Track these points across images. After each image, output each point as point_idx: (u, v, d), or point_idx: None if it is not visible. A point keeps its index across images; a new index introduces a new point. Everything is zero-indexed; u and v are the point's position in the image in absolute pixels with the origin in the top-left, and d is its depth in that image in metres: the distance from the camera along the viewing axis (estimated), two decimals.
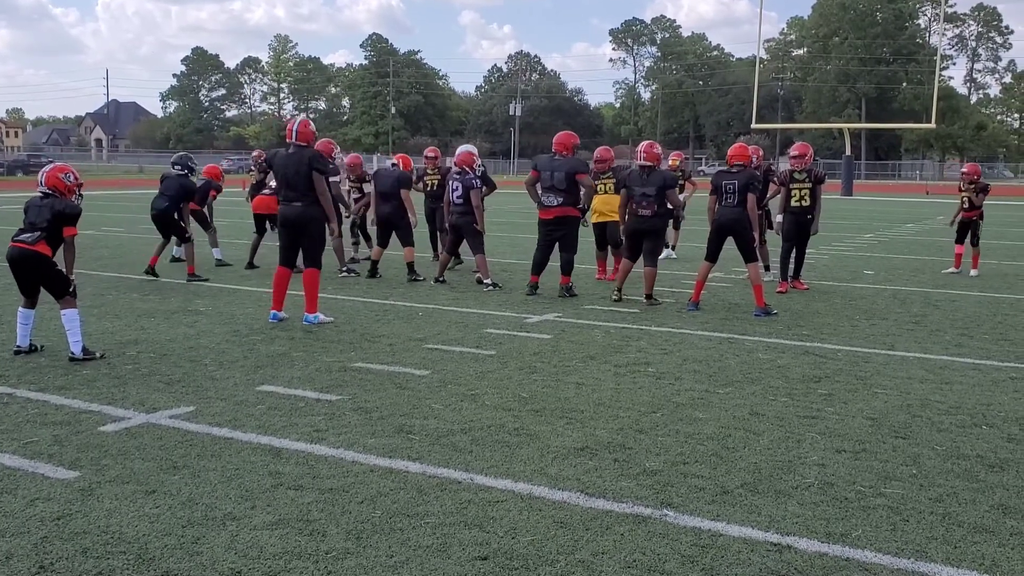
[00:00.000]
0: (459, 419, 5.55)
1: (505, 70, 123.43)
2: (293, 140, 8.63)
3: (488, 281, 11.11)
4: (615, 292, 10.25)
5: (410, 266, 11.82)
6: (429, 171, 13.68)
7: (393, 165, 12.29)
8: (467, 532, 3.89)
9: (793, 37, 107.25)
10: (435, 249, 13.64)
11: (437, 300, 10.21)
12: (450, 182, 11.70)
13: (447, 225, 12.06)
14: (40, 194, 7.21)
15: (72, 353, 6.99)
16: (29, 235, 7.01)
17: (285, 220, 8.62)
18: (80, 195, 7.46)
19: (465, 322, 8.86)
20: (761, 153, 12.51)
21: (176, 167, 12.32)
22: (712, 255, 9.81)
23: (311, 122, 8.94)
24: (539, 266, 10.73)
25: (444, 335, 8.18)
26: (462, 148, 12.17)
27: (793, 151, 11.57)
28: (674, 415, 5.71)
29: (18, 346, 7.22)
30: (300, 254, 8.68)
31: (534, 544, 3.78)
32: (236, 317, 8.94)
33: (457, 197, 11.42)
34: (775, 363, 7.26)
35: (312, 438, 5.15)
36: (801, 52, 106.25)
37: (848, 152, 51.22)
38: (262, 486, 4.39)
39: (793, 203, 11.28)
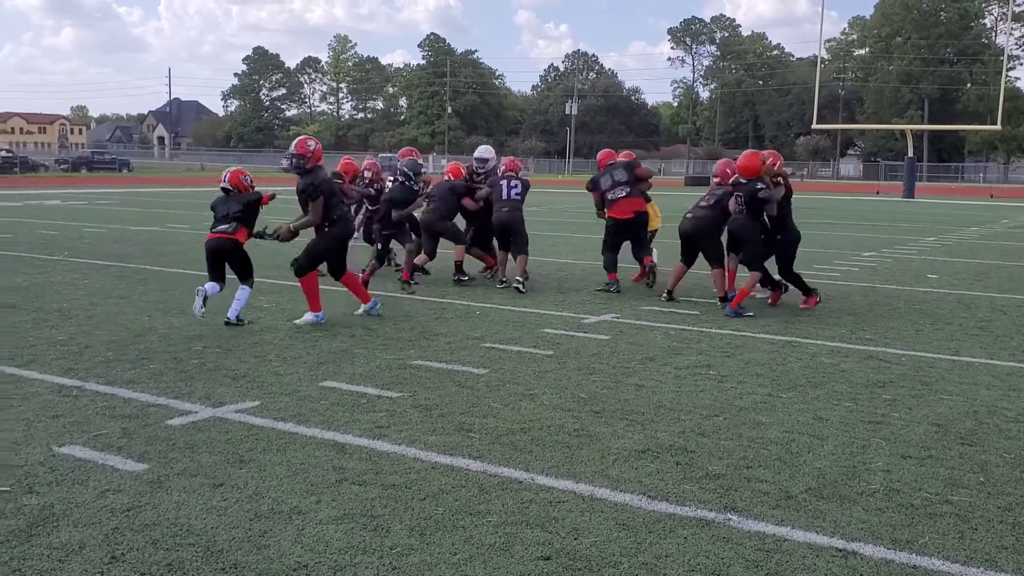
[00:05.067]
0: (518, 418, 5.57)
1: (561, 69, 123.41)
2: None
3: (520, 279, 10.85)
4: (666, 293, 10.29)
5: (458, 266, 11.72)
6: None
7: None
8: (529, 532, 3.90)
9: (855, 37, 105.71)
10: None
11: (494, 299, 10.23)
12: (506, 180, 11.47)
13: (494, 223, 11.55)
14: (222, 191, 8.68)
15: (228, 317, 8.35)
16: (227, 226, 8.47)
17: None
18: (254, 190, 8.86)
19: (522, 321, 8.88)
20: (775, 162, 10.40)
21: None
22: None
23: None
24: (614, 264, 11.05)
25: (501, 334, 8.21)
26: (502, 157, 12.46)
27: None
28: (737, 419, 5.67)
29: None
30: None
31: (596, 545, 3.78)
32: (298, 314, 9.04)
33: (516, 194, 11.31)
34: (838, 367, 7.17)
35: (374, 434, 5.20)
36: (863, 52, 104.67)
37: (910, 154, 50.25)
38: (326, 481, 4.45)
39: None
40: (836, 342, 8.18)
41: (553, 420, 5.55)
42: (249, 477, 4.49)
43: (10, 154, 67.39)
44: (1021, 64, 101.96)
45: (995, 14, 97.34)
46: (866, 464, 4.87)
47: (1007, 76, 54.67)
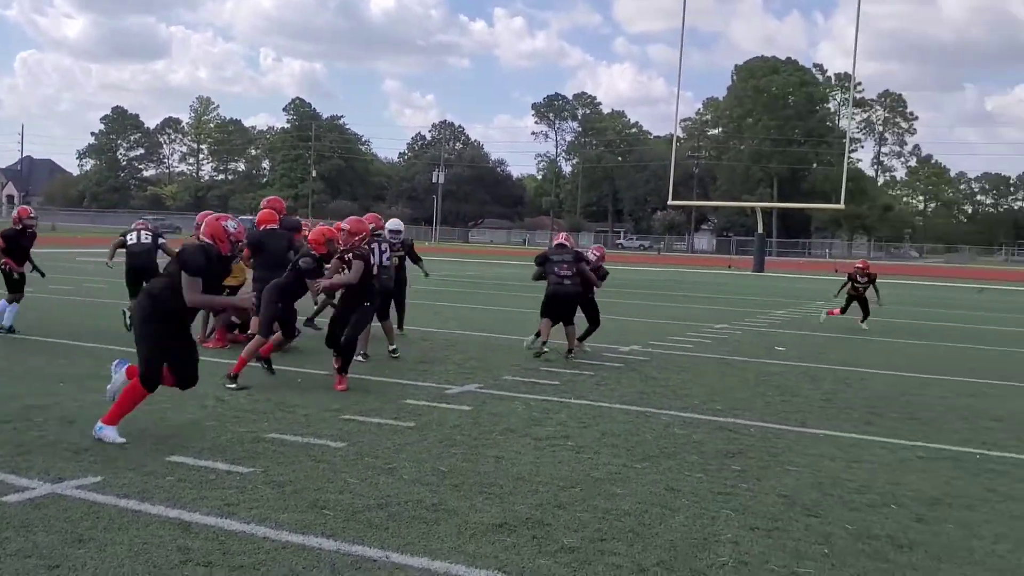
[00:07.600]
0: (375, 494, 5.47)
1: (428, 138, 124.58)
2: None
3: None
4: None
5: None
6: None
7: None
8: None
9: (709, 117, 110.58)
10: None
11: (355, 369, 10.05)
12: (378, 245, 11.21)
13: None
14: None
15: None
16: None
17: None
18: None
19: (384, 392, 8.78)
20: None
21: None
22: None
23: None
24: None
25: (361, 405, 8.09)
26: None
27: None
28: (592, 490, 5.73)
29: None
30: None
31: None
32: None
33: (386, 259, 10.89)
34: (690, 438, 7.35)
35: (223, 512, 5.01)
36: (716, 132, 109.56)
37: (760, 230, 52.60)
38: (170, 562, 4.26)
39: None
40: (688, 413, 8.39)
41: (412, 495, 5.48)
42: (88, 558, 4.25)
43: None
44: (862, 147, 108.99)
45: (838, 100, 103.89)
46: (716, 536, 4.98)
47: (849, 158, 57.98)
